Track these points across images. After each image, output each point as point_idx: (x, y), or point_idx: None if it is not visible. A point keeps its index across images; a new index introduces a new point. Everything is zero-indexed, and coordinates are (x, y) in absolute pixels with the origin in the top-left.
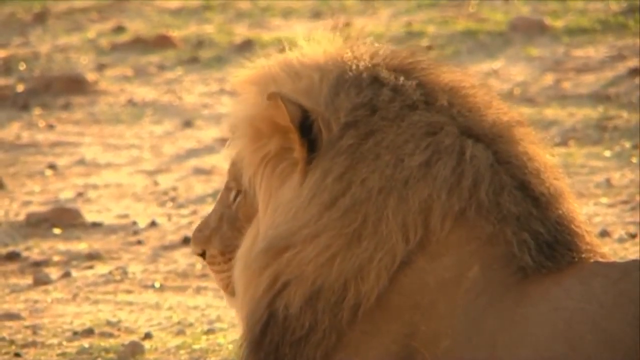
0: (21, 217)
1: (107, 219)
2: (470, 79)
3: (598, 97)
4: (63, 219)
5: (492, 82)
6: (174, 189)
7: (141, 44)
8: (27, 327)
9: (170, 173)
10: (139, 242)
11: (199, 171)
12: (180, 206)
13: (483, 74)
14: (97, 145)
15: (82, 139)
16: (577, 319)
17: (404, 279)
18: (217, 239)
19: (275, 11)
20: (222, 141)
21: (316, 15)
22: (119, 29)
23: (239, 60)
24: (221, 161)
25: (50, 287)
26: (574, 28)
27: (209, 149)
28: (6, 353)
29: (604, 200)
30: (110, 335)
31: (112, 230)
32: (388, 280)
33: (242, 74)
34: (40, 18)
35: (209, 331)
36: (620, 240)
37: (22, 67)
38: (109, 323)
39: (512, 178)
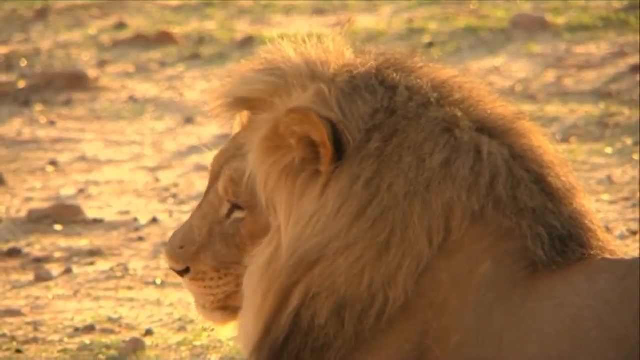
0: (22, 213)
1: (109, 215)
2: (466, 75)
3: (599, 94)
4: (64, 215)
5: (494, 79)
6: (175, 185)
7: (142, 41)
8: (28, 323)
9: (172, 169)
10: (140, 239)
11: (200, 168)
12: (182, 202)
13: (484, 71)
14: (98, 141)
15: (83, 135)
16: (583, 316)
17: (421, 279)
18: (209, 255)
19: (276, 8)
20: (224, 138)
21: (318, 12)
22: (120, 26)
23: (240, 56)
24: None
25: (51, 284)
26: (575, 25)
27: (210, 146)
28: (7, 349)
29: (606, 197)
30: (112, 331)
31: (113, 226)
32: (414, 285)
33: (228, 91)
34: (42, 14)
35: (210, 328)
36: (622, 237)
37: (24, 63)
38: (110, 319)
39: (527, 172)
